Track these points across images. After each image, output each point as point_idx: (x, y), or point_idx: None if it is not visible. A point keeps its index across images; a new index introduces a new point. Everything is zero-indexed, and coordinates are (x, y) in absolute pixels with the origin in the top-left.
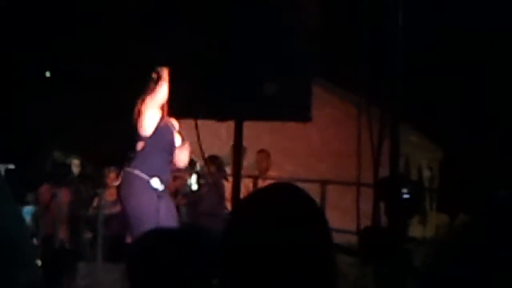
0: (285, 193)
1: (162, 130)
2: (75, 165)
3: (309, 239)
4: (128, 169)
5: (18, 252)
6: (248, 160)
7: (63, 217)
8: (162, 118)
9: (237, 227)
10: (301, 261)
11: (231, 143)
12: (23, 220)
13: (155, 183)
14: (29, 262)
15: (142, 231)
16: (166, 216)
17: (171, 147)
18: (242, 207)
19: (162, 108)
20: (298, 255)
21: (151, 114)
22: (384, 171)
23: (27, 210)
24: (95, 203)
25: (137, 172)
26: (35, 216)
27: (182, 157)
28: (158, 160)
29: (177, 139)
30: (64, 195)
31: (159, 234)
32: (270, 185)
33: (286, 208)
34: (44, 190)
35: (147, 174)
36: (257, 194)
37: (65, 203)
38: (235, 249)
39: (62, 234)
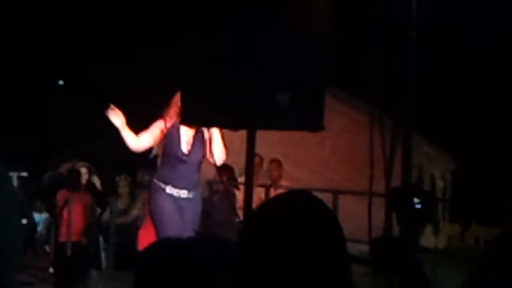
0: (300, 201)
1: (167, 136)
2: (83, 172)
3: (325, 247)
4: (153, 178)
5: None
6: (264, 169)
7: (75, 224)
8: (166, 125)
9: (252, 235)
10: (317, 269)
11: (244, 152)
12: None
13: (170, 190)
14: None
15: (163, 237)
16: (186, 222)
17: (177, 153)
18: (257, 216)
19: (168, 115)
20: (313, 263)
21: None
22: (396, 181)
23: (40, 218)
24: (107, 211)
25: (155, 180)
26: (48, 224)
27: (216, 155)
28: (168, 167)
29: (216, 134)
30: (76, 202)
31: (168, 244)
32: (285, 193)
33: (301, 216)
34: (60, 196)
35: (164, 181)
36: (273, 202)
37: (77, 209)
38: (250, 258)
39: (74, 241)
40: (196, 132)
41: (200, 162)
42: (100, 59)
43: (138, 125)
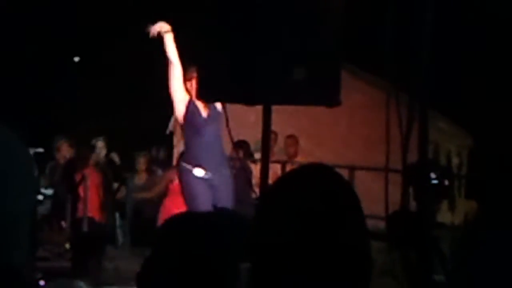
0: (318, 175)
1: (189, 116)
2: (100, 147)
3: (343, 221)
4: (181, 161)
5: (14, 180)
6: (279, 146)
7: (92, 200)
8: (190, 101)
9: (269, 209)
10: (336, 245)
11: (260, 129)
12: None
13: (198, 172)
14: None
15: None
16: (220, 201)
17: (202, 130)
18: (274, 190)
19: (188, 90)
20: (332, 238)
21: (178, 97)
22: (412, 157)
23: (47, 192)
24: (124, 187)
25: (182, 163)
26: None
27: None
28: (196, 148)
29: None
30: (92, 178)
31: (185, 218)
32: (302, 167)
33: (319, 190)
34: (76, 175)
35: (191, 164)
36: (290, 175)
37: (93, 185)
38: (268, 234)
39: (90, 217)
40: (209, 106)
41: (219, 135)
42: (114, 35)
43: (150, 102)
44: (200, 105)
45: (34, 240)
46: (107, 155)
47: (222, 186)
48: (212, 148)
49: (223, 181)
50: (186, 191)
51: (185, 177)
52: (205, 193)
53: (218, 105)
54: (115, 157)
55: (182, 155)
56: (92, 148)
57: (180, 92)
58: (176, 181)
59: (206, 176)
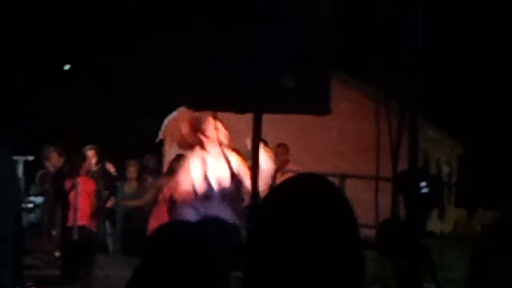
0: (313, 184)
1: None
2: (91, 155)
3: (338, 231)
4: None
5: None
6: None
7: (82, 208)
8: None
9: (264, 219)
10: (331, 253)
11: (250, 137)
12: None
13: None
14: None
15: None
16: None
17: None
18: (269, 199)
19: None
20: (327, 248)
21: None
22: (402, 166)
23: (37, 200)
24: (114, 196)
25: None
26: (43, 208)
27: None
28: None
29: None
30: (83, 186)
31: (175, 226)
32: (297, 176)
33: (314, 200)
34: (67, 183)
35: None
36: (285, 185)
37: (84, 194)
38: (263, 243)
39: (81, 225)
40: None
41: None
42: (105, 45)
43: (144, 108)
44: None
45: (20, 251)
46: (97, 163)
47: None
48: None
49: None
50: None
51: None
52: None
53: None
54: (110, 167)
55: (175, 160)
56: (83, 156)
57: None
58: (165, 189)
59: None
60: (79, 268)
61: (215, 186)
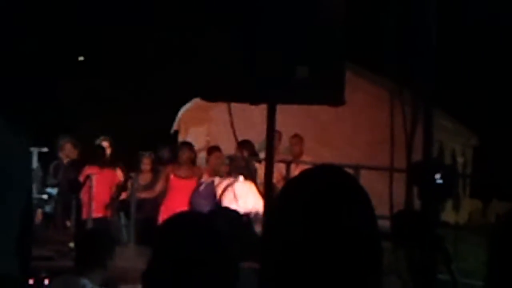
0: (331, 176)
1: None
2: (106, 146)
3: (357, 222)
4: None
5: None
6: (284, 145)
7: (99, 200)
8: None
9: (283, 210)
10: (350, 245)
11: (264, 128)
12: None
13: None
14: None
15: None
16: None
17: None
18: (287, 192)
19: None
20: (346, 238)
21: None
22: (417, 157)
23: (53, 191)
24: (129, 186)
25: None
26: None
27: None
28: None
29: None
30: (102, 178)
31: (185, 217)
32: (315, 168)
33: (333, 191)
34: (83, 172)
35: None
36: (304, 176)
37: (99, 184)
38: (281, 233)
39: (96, 216)
40: None
41: None
42: (119, 36)
43: (154, 102)
44: None
45: (29, 239)
46: (112, 154)
47: None
48: None
49: None
50: None
51: None
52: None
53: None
54: (119, 173)
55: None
56: (100, 147)
57: None
58: (174, 176)
59: None
60: (94, 258)
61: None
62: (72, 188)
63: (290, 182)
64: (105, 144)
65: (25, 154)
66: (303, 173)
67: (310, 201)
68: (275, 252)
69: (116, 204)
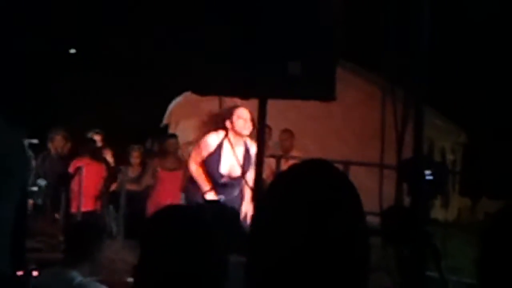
0: (320, 170)
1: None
2: (98, 139)
3: (345, 218)
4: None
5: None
6: (274, 140)
7: (88, 193)
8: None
9: (271, 206)
10: (338, 240)
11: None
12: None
13: (210, 196)
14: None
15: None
16: None
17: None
18: (275, 186)
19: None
20: (334, 234)
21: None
22: (407, 154)
23: (42, 183)
24: (118, 179)
25: (191, 187)
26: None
27: None
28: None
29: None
30: (91, 171)
31: (172, 210)
32: (304, 162)
33: (321, 186)
34: (74, 164)
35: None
36: (291, 171)
37: (92, 179)
38: (268, 229)
39: (85, 209)
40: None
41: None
42: (111, 30)
43: (147, 97)
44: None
45: (22, 233)
46: (102, 147)
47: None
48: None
49: (232, 200)
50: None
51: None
52: None
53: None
54: (107, 153)
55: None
56: (91, 140)
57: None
58: (161, 169)
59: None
60: (83, 250)
61: (226, 172)
62: (61, 180)
63: (277, 177)
64: (97, 137)
65: (22, 150)
66: (290, 168)
67: (298, 196)
68: (261, 248)
69: (106, 197)
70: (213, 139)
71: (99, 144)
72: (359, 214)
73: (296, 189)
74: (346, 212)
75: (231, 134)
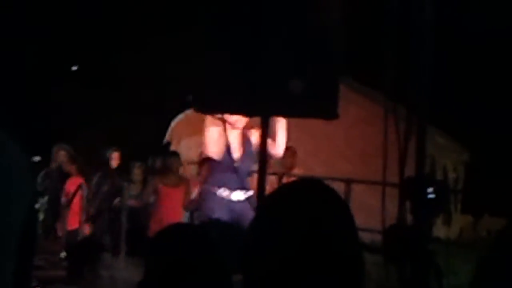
0: (311, 189)
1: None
2: (115, 158)
3: (337, 236)
4: (204, 184)
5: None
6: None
7: (88, 209)
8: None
9: (263, 223)
10: (329, 259)
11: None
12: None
13: (222, 192)
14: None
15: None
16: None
17: (228, 160)
18: (267, 204)
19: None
20: (325, 253)
21: (209, 132)
22: (409, 172)
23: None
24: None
25: (206, 185)
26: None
27: (276, 150)
28: (220, 173)
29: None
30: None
31: (177, 228)
32: (295, 181)
33: (312, 204)
34: (71, 182)
35: (214, 186)
36: (282, 189)
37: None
38: (261, 246)
39: (87, 226)
40: (245, 139)
41: (249, 169)
42: (112, 46)
43: (149, 114)
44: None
45: (29, 253)
46: (119, 166)
47: (247, 211)
48: (241, 177)
49: (248, 206)
50: (209, 210)
51: (206, 202)
52: (224, 213)
53: (253, 140)
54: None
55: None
56: (107, 157)
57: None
58: (162, 185)
59: (229, 198)
60: (85, 268)
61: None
62: (60, 197)
63: (270, 195)
64: (115, 156)
65: (28, 170)
66: (282, 187)
67: (289, 213)
68: (255, 265)
69: (108, 214)
70: (213, 131)
71: (115, 161)
72: (350, 230)
73: (287, 206)
74: (337, 227)
75: (228, 126)
